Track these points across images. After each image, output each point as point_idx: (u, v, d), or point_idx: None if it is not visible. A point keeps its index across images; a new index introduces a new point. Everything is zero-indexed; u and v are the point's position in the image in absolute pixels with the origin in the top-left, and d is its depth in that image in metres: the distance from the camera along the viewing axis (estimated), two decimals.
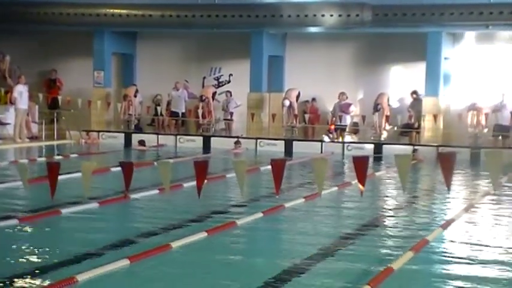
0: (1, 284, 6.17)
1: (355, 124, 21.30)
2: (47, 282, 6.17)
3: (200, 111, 21.85)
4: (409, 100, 20.67)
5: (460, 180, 14.01)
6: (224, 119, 22.19)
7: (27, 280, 6.30)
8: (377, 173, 15.04)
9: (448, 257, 7.56)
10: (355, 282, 6.36)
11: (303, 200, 10.90)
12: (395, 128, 20.71)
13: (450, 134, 20.08)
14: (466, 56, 20.60)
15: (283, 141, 20.50)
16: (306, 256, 7.37)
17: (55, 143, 20.93)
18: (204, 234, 8.12)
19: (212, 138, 21.13)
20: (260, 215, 9.52)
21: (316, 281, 6.55)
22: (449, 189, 6.82)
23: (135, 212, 10.20)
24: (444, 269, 7.09)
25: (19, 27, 22.97)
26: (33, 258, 7.09)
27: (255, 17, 20.41)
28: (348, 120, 20.91)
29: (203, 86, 22.87)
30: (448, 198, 11.28)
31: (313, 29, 20.71)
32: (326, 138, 20.58)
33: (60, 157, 16.78)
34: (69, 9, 21.94)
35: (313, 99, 21.81)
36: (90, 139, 21.58)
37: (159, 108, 22.77)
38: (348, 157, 17.99)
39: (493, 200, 11.67)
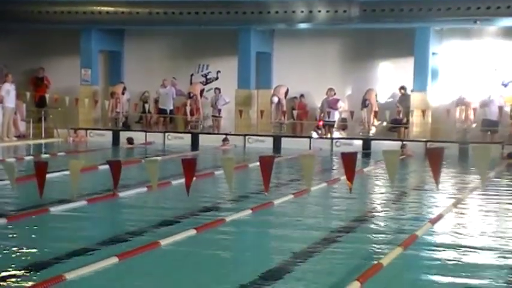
0: None
1: (343, 120, 21.32)
2: (35, 281, 6.13)
3: (188, 108, 21.82)
4: (397, 95, 20.73)
5: (448, 175, 14.05)
6: (212, 116, 22.16)
7: (16, 279, 6.27)
8: (365, 169, 15.07)
9: (438, 252, 7.58)
10: (344, 278, 6.36)
11: (292, 196, 10.90)
12: (384, 124, 20.75)
13: (438, 129, 20.14)
14: (454, 51, 20.66)
15: (271, 138, 20.51)
16: (296, 252, 7.37)
17: (43, 141, 20.83)
18: (193, 232, 8.10)
19: (200, 135, 21.11)
20: (249, 211, 9.51)
21: (306, 277, 6.56)
22: (437, 185, 6.84)
23: (124, 209, 10.16)
24: (434, 264, 7.11)
25: (6, 25, 22.83)
26: (22, 257, 7.05)
27: (242, 14, 20.38)
28: (336, 116, 20.92)
29: (191, 83, 22.83)
30: (437, 193, 11.30)
31: (301, 25, 20.71)
32: (314, 135, 20.60)
33: (48, 155, 16.70)
34: (56, 7, 21.83)
35: (302, 96, 21.82)
36: (78, 137, 21.49)
37: (146, 105, 22.70)
38: (336, 153, 18.02)
39: (481, 194, 11.72)
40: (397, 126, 20.46)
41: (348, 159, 7.17)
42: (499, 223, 9.51)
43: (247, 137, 20.63)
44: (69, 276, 6.20)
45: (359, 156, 15.70)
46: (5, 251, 7.32)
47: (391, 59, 21.28)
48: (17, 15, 22.05)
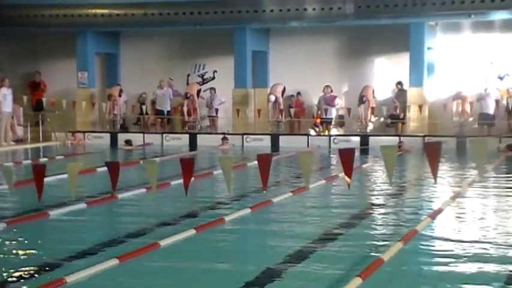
0: None
1: (340, 117, 21.34)
2: (36, 284, 6.13)
3: (185, 109, 21.82)
4: (394, 91, 20.74)
5: (446, 170, 14.08)
6: (209, 116, 22.15)
7: (16, 283, 6.27)
8: (364, 165, 15.08)
9: (438, 246, 7.59)
10: (345, 273, 6.37)
11: (291, 194, 10.91)
12: (381, 120, 20.77)
13: (436, 124, 20.16)
14: (449, 45, 20.67)
15: (269, 136, 20.51)
16: (295, 249, 7.38)
17: (41, 145, 20.81)
18: (192, 232, 8.10)
19: (198, 136, 21.11)
20: (248, 210, 9.52)
21: (307, 273, 6.56)
22: (435, 179, 6.84)
23: (123, 211, 10.16)
24: (434, 259, 7.12)
25: (1, 29, 22.79)
26: (22, 261, 7.05)
27: (238, 13, 20.38)
28: (333, 113, 20.93)
29: (188, 84, 22.83)
30: (435, 187, 11.32)
31: (296, 23, 20.71)
32: (312, 132, 20.60)
33: (46, 159, 16.69)
34: (51, 10, 21.82)
35: (298, 93, 21.83)
36: (76, 140, 21.48)
37: (144, 107, 22.70)
38: (334, 150, 18.02)
39: (479, 188, 11.74)
40: (394, 121, 20.47)
41: (346, 156, 7.17)
42: (498, 216, 9.52)
43: (245, 136, 20.63)
44: (70, 279, 6.20)
45: (357, 152, 15.75)
46: (4, 256, 7.32)
47: (387, 55, 21.29)
48: (13, 19, 22.03)
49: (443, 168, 13.97)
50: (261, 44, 22.14)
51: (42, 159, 16.74)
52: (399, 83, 20.45)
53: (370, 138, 19.47)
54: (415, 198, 11.14)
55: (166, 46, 23.47)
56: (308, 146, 19.62)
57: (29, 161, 16.03)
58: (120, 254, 7.04)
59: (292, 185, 12.12)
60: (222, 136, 20.26)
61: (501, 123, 19.44)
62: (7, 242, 8.02)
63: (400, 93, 20.39)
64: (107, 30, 22.79)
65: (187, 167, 7.43)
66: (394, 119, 20.45)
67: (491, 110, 19.41)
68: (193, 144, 20.65)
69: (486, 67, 20.00)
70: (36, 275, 6.53)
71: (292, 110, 21.55)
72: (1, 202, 10.67)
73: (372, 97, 20.54)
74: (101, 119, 23.00)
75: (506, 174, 14.13)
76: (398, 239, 7.60)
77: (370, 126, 20.64)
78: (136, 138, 21.00)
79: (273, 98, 20.97)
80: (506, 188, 12.08)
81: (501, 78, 19.78)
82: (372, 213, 9.77)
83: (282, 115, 21.29)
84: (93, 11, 21.60)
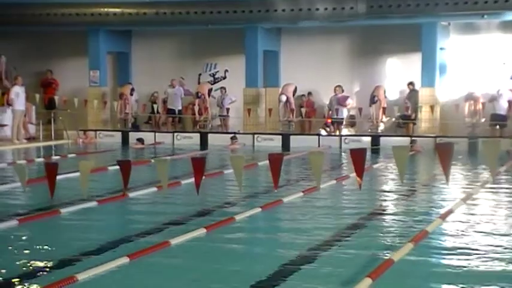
0: (2, 284, 6.17)
1: (351, 117, 21.30)
2: (47, 282, 6.16)
3: (196, 108, 21.85)
4: (405, 91, 20.68)
5: (458, 171, 14.02)
6: (220, 115, 22.18)
7: (28, 280, 6.30)
8: (375, 165, 15.05)
9: (448, 247, 7.57)
10: (355, 274, 6.36)
11: (302, 194, 10.90)
12: (393, 120, 20.72)
13: (447, 125, 20.09)
14: (462, 45, 20.60)
15: (280, 136, 20.51)
16: (306, 249, 7.38)
17: (53, 143, 20.91)
18: (203, 231, 8.11)
19: (209, 135, 21.15)
20: (258, 210, 9.51)
21: (317, 273, 6.56)
22: (447, 180, 6.81)
23: (134, 210, 10.19)
24: (445, 260, 7.10)
25: (14, 28, 22.96)
26: (33, 258, 7.08)
27: (249, 12, 20.40)
28: (344, 113, 20.91)
29: (199, 83, 22.88)
30: (447, 188, 11.28)
31: (307, 23, 20.69)
32: (323, 132, 20.58)
33: (58, 157, 16.77)
34: (64, 9, 21.93)
35: (309, 93, 21.82)
36: (88, 138, 21.57)
37: (155, 106, 22.75)
38: (345, 150, 17.99)
39: (491, 189, 11.68)
40: (405, 122, 20.41)
41: (357, 156, 7.16)
42: (510, 218, 9.47)
43: (255, 135, 20.64)
44: (81, 276, 6.23)
45: (368, 152, 15.70)
46: (16, 253, 7.36)
47: (399, 55, 21.25)
48: (25, 18, 22.16)
49: (455, 169, 13.92)
50: (273, 44, 22.14)
51: (54, 158, 16.82)
52: (411, 83, 20.39)
53: (381, 138, 19.43)
54: (427, 199, 11.10)
55: (177, 45, 23.52)
56: (319, 146, 19.60)
57: (41, 159, 16.11)
58: (131, 252, 7.06)
59: (303, 185, 12.11)
60: (232, 136, 20.27)
61: None
62: (19, 240, 8.07)
63: (412, 93, 20.34)
64: (118, 29, 22.86)
65: (199, 166, 7.44)
66: (405, 119, 20.39)
67: (503, 111, 19.32)
68: (204, 144, 20.68)
69: (499, 68, 19.91)
70: (47, 273, 6.56)
71: (303, 110, 21.54)
72: (13, 200, 10.74)
73: (384, 97, 20.50)
74: (113, 118, 23.08)
75: None
76: (408, 240, 7.57)
77: (381, 127, 20.61)
78: (148, 137, 21.06)
79: (284, 98, 20.96)
80: None
81: None
82: (383, 213, 9.74)
83: (293, 115, 21.28)
84: (105, 9, 21.68)
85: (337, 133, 20.54)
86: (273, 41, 22.19)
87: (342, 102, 20.70)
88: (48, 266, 6.80)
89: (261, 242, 8.20)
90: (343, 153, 18.13)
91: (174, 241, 7.59)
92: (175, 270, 6.75)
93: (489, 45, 20.16)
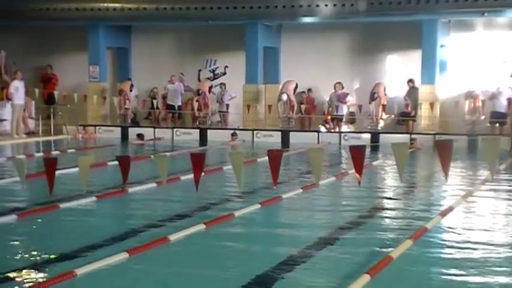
0: (0, 279, 6.16)
1: (351, 114, 21.29)
2: (46, 277, 6.16)
3: (196, 104, 21.83)
4: (405, 89, 20.66)
5: (458, 168, 14.01)
6: (219, 111, 22.17)
7: (27, 275, 6.30)
8: (374, 163, 15.05)
9: (448, 244, 7.56)
10: (354, 271, 6.36)
11: (301, 190, 10.90)
12: (393, 117, 20.71)
13: (447, 122, 20.08)
14: (462, 43, 20.58)
15: (279, 132, 20.50)
16: (305, 246, 7.37)
17: (52, 138, 20.89)
18: (202, 226, 8.11)
19: (209, 131, 21.13)
20: (258, 206, 9.51)
21: (316, 269, 6.56)
22: (447, 177, 6.80)
23: (133, 205, 10.19)
24: (444, 257, 7.10)
25: (13, 23, 22.92)
26: (32, 253, 7.08)
27: (249, 9, 20.38)
28: (344, 110, 20.90)
29: (199, 79, 22.85)
30: (446, 186, 11.28)
31: (308, 20, 20.66)
32: (323, 129, 20.57)
33: (57, 152, 16.76)
34: (63, 4, 21.93)
35: (309, 90, 21.80)
36: (87, 134, 21.55)
37: (155, 101, 22.73)
38: (345, 147, 17.99)
39: (491, 187, 11.68)
40: (405, 119, 20.41)
41: (357, 153, 7.16)
42: (509, 216, 9.47)
43: (255, 131, 20.63)
44: (80, 271, 6.23)
45: (367, 149, 15.68)
46: (15, 248, 7.37)
47: (399, 52, 21.21)
48: (25, 12, 22.14)
49: (455, 167, 13.91)
50: (273, 40, 22.12)
51: (54, 153, 16.81)
52: (411, 80, 20.37)
53: (381, 135, 19.42)
54: (426, 196, 11.11)
55: (177, 41, 23.49)
56: (318, 142, 19.60)
57: (40, 154, 16.10)
58: (130, 247, 7.06)
59: (302, 181, 12.11)
60: (232, 132, 20.26)
61: None
62: (18, 234, 8.06)
63: (412, 90, 20.31)
64: (118, 24, 22.83)
65: (198, 162, 7.43)
66: (405, 116, 20.38)
67: (503, 109, 19.31)
68: (203, 139, 20.67)
69: (499, 65, 19.89)
70: (46, 267, 6.55)
71: (303, 107, 21.52)
72: (13, 194, 10.73)
73: (384, 94, 20.49)
74: (112, 113, 23.06)
75: None
76: (408, 237, 7.57)
77: (381, 124, 20.60)
78: (147, 132, 21.04)
79: (285, 97, 20.93)
80: None
81: None
82: (382, 210, 9.74)
83: (292, 111, 21.27)
84: (105, 4, 21.66)
85: (337, 130, 20.52)
86: (273, 38, 22.16)
87: (341, 99, 20.68)
88: (46, 260, 6.80)
89: (260, 238, 8.21)
90: (342, 150, 18.11)
91: (173, 237, 7.59)
92: (175, 265, 6.74)
93: (489, 42, 20.13)
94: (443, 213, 9.07)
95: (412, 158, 16.01)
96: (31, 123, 21.55)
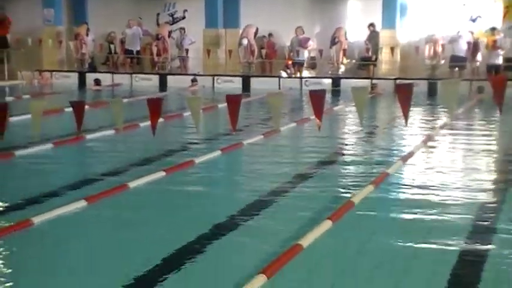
0: None
1: (312, 59, 21.17)
2: (1, 226, 6.00)
3: (155, 49, 21.46)
4: (366, 33, 20.56)
5: (418, 113, 14.08)
6: (179, 56, 21.83)
7: None
8: (335, 108, 15.02)
9: (409, 189, 7.58)
10: (316, 217, 6.34)
11: (262, 136, 10.82)
12: (353, 62, 20.66)
13: (407, 66, 20.12)
14: None
15: (240, 78, 20.31)
16: (266, 192, 7.32)
17: (6, 83, 20.37)
18: (162, 173, 7.99)
19: (168, 77, 20.84)
20: (218, 152, 9.42)
21: (277, 217, 6.52)
22: (406, 121, 6.77)
23: (91, 152, 10.01)
24: (405, 199, 7.13)
25: None
26: None
27: None
28: (305, 55, 20.76)
29: (157, 23, 22.41)
30: (407, 130, 11.31)
31: None
32: (284, 74, 20.44)
33: (12, 98, 16.34)
34: None
35: (270, 35, 21.56)
36: (43, 79, 21.06)
37: (112, 46, 22.26)
38: (306, 92, 17.91)
39: (450, 130, 11.77)
40: (366, 64, 20.37)
41: (316, 98, 7.06)
42: (469, 160, 9.55)
43: (215, 77, 20.40)
44: (37, 220, 6.08)
45: (328, 94, 15.64)
46: None
47: None
48: None
49: (415, 111, 13.96)
50: None
51: (8, 98, 16.38)
52: (371, 24, 20.27)
53: (342, 80, 19.38)
54: (387, 141, 11.13)
55: None
56: (280, 88, 19.49)
57: None
58: (88, 195, 6.92)
59: (263, 127, 12.02)
60: (191, 77, 20.01)
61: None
62: None
63: (372, 35, 20.24)
64: None
65: (155, 107, 7.25)
66: (365, 61, 20.34)
67: (462, 53, 19.38)
68: (163, 85, 20.39)
69: (459, 9, 19.88)
70: (2, 216, 6.38)
71: (263, 51, 21.31)
72: None
73: (344, 39, 20.38)
74: (69, 58, 22.55)
75: (478, 116, 14.19)
76: (369, 182, 7.57)
77: (342, 69, 20.54)
78: (105, 78, 20.66)
79: (245, 41, 20.68)
80: (478, 131, 12.14)
81: (473, 21, 19.70)
82: (343, 155, 9.73)
83: (253, 56, 21.05)
84: None
85: (298, 75, 20.41)
86: None
87: (303, 43, 20.51)
88: (3, 209, 6.63)
89: (221, 184, 8.14)
90: (303, 96, 18.05)
91: (133, 184, 7.46)
92: (133, 214, 6.63)
93: None
94: (405, 158, 9.09)
95: (373, 103, 16.04)
96: None
